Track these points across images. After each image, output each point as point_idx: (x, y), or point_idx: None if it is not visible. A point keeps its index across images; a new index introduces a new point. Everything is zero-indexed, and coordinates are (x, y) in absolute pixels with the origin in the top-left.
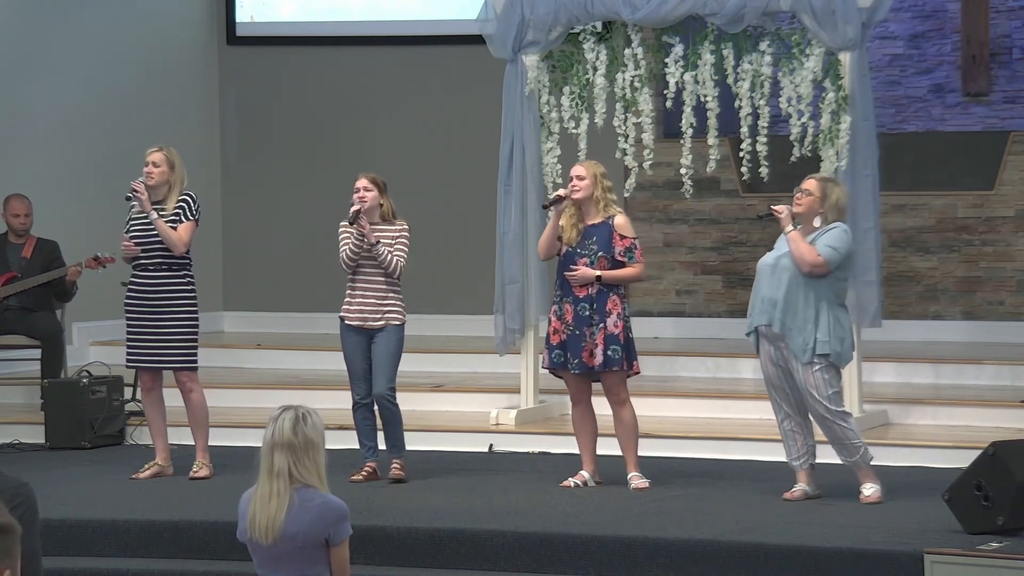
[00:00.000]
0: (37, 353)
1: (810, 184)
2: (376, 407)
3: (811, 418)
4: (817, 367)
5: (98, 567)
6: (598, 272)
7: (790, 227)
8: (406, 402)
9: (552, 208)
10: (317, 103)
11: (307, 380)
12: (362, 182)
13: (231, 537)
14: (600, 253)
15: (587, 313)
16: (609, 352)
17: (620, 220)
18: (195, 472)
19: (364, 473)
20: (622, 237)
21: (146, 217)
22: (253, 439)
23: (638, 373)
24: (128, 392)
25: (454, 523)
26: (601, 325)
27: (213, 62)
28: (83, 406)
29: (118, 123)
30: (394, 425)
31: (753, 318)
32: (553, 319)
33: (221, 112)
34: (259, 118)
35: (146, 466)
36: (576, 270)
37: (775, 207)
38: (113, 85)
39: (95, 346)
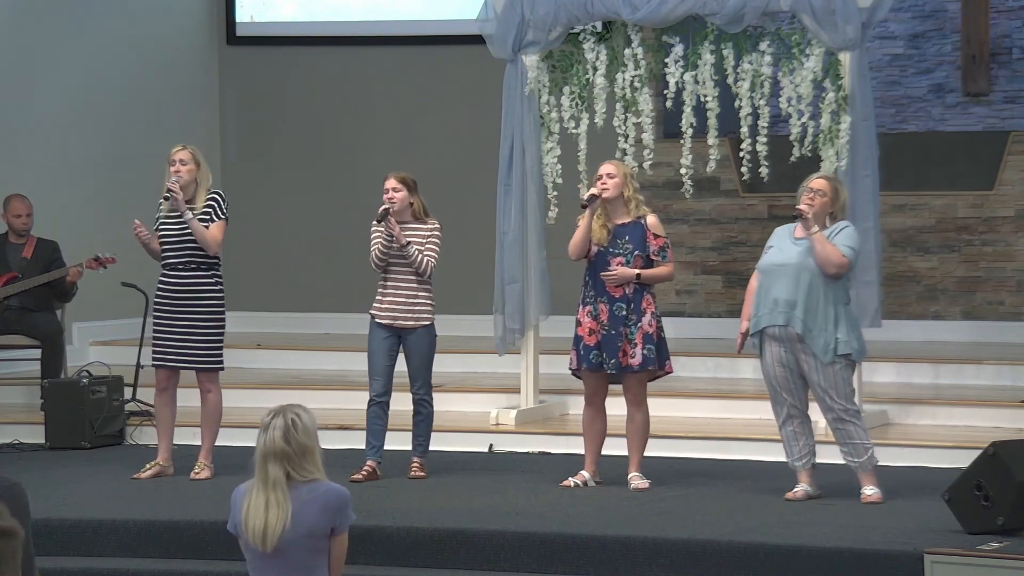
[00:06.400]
0: (37, 353)
1: (821, 184)
2: (413, 408)
3: (812, 419)
4: (837, 366)
5: (98, 567)
6: (638, 271)
7: (816, 228)
8: (406, 402)
9: (588, 207)
10: (317, 103)
11: (307, 380)
12: (391, 182)
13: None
14: (636, 252)
15: (623, 313)
16: (645, 351)
17: (652, 220)
18: (196, 473)
19: (364, 472)
20: (656, 236)
21: (178, 217)
22: (253, 439)
23: (671, 372)
24: (128, 392)
25: (454, 523)
26: (638, 324)
27: (213, 62)
28: (83, 406)
29: (118, 123)
30: (425, 426)
31: (761, 319)
32: (587, 319)
33: (221, 112)
34: (259, 118)
35: (147, 466)
36: (614, 271)
37: (803, 208)
38: (113, 85)
39: (95, 346)
